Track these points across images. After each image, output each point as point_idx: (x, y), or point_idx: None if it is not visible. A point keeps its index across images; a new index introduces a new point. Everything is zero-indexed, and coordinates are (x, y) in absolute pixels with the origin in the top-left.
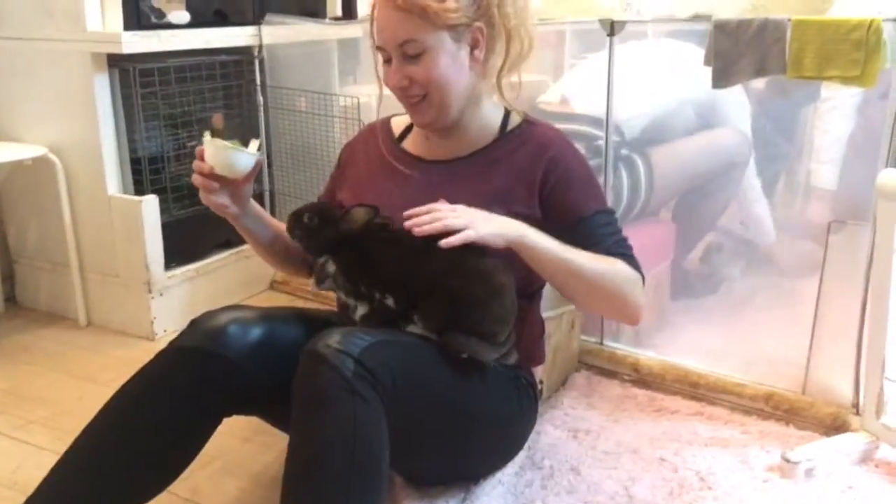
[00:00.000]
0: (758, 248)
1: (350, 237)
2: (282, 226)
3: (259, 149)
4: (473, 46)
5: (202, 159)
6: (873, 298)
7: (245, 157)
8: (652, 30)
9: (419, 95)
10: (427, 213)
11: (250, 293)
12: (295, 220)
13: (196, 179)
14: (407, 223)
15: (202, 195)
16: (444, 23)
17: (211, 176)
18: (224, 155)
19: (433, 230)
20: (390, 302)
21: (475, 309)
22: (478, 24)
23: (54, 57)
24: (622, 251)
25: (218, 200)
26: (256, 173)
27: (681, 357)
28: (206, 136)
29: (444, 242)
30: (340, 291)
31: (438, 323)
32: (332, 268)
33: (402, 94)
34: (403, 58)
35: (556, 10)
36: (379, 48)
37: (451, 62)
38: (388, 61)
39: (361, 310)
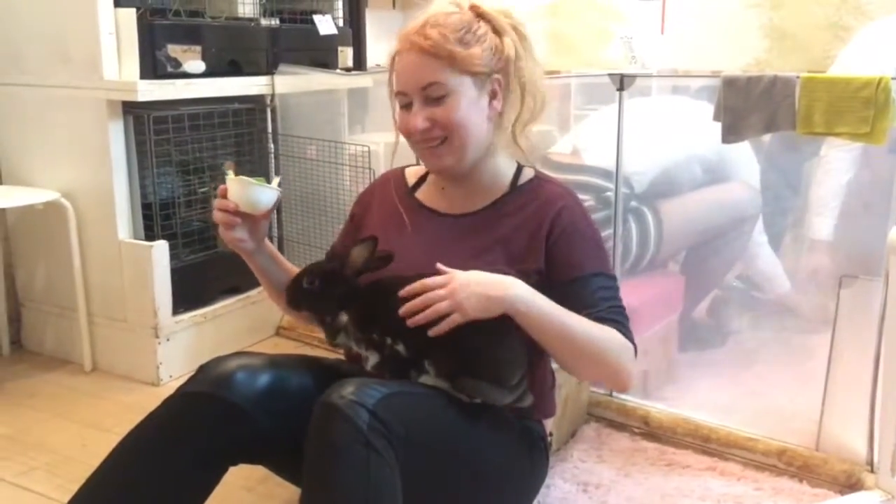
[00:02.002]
0: (770, 299)
1: (357, 286)
2: (295, 268)
3: (279, 185)
4: (492, 97)
5: (225, 197)
6: (887, 354)
7: (268, 192)
8: (656, 84)
9: (439, 138)
10: (421, 290)
11: (257, 339)
12: (295, 289)
13: (217, 216)
14: (401, 311)
15: (221, 231)
16: (469, 69)
17: (234, 213)
18: (249, 191)
19: (425, 319)
20: (401, 348)
21: (482, 354)
22: (497, 75)
23: (70, 103)
24: (615, 318)
25: (237, 235)
26: (275, 209)
27: (690, 410)
28: (230, 174)
29: (432, 332)
30: (352, 342)
31: (449, 370)
32: (344, 319)
33: (422, 136)
34: (426, 101)
35: (562, 63)
36: (400, 93)
37: (472, 107)
38: (405, 106)
39: (373, 359)
